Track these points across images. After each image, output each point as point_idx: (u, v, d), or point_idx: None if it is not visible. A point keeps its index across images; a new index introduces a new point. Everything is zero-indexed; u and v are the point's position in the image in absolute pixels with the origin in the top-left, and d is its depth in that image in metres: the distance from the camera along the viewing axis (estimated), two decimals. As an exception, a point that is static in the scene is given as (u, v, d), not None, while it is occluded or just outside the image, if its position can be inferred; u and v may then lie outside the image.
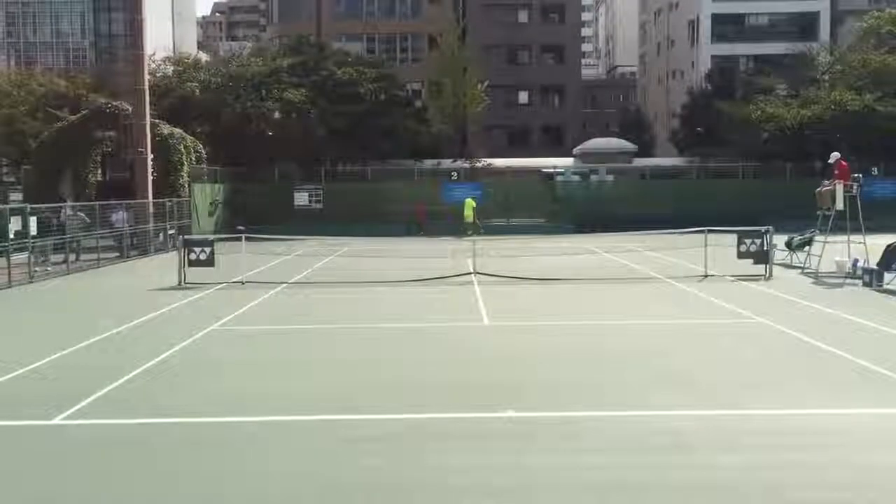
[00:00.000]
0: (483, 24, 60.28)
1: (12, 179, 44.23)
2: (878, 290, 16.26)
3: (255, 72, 42.10)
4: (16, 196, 32.47)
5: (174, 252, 21.19)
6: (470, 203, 35.18)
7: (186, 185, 32.25)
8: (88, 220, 23.77)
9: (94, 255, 23.42)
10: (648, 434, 7.17)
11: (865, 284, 16.87)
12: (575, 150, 52.30)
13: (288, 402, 8.38)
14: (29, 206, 21.04)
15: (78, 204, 25.56)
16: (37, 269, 20.45)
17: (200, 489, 5.96)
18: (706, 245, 19.53)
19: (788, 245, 21.77)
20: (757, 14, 60.20)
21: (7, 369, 9.78)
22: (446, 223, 35.48)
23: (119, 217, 25.62)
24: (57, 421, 7.71)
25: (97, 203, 24.96)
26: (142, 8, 29.04)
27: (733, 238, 18.98)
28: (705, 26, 59.77)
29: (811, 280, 18.35)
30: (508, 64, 62.18)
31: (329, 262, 23.89)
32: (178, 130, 33.05)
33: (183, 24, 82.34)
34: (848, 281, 17.69)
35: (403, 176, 41.74)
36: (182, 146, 32.36)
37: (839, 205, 18.94)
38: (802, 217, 24.25)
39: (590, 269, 20.69)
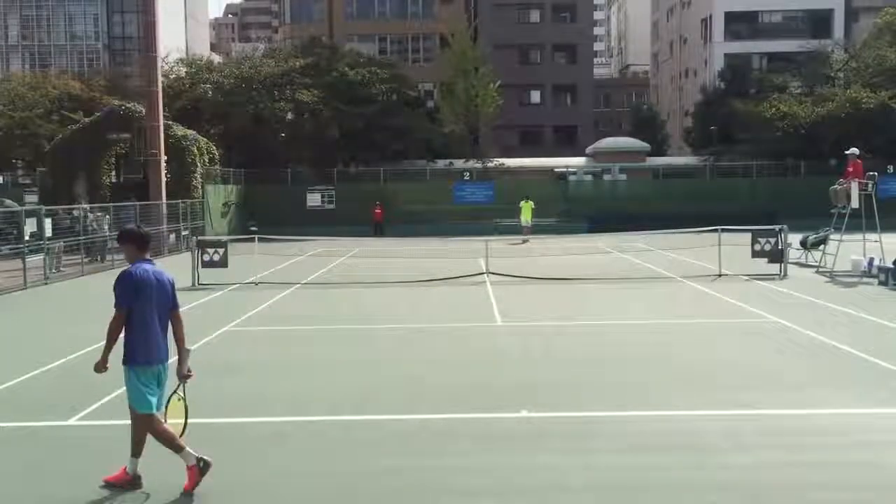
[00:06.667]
0: (495, 23, 60.23)
1: (28, 181, 44.61)
2: (894, 289, 16.12)
3: (268, 73, 42.22)
4: (31, 198, 32.72)
5: (187, 253, 21.28)
6: (528, 206, 32.21)
7: (200, 187, 32.41)
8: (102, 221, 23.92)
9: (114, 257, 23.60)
10: (665, 434, 7.14)
11: (881, 283, 16.74)
12: (588, 150, 52.21)
13: (304, 402, 8.39)
14: (44, 207, 21.19)
15: (95, 205, 25.70)
16: (53, 270, 20.59)
17: (218, 489, 5.97)
18: (720, 244, 19.45)
19: (803, 244, 21.61)
20: (770, 11, 59.78)
21: (21, 371, 9.84)
22: (459, 224, 35.38)
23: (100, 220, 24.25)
24: (72, 422, 7.75)
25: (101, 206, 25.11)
26: (155, 10, 29.21)
27: (747, 237, 18.88)
28: (718, 24, 59.45)
29: (826, 279, 18.21)
30: (520, 64, 62.07)
31: (342, 262, 23.92)
32: (191, 132, 33.22)
33: (195, 25, 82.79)
34: (864, 280, 17.57)
35: (416, 176, 41.78)
36: (195, 148, 32.53)
37: (854, 203, 18.80)
38: (817, 215, 24.08)
39: (603, 269, 20.62)
